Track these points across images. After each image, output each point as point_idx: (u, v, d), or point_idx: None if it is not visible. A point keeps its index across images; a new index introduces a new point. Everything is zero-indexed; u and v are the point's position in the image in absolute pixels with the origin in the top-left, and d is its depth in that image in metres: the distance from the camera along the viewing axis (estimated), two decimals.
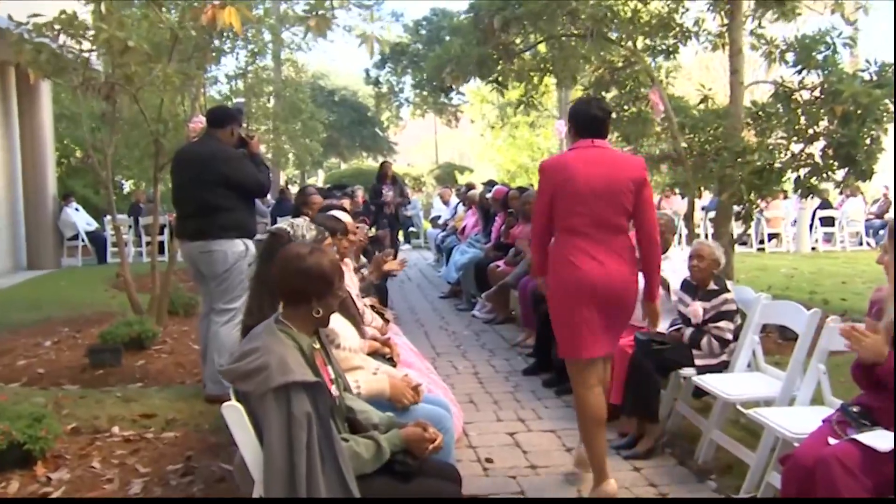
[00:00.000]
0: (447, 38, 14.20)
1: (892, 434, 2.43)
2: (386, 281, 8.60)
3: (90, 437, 4.02)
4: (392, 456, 2.34)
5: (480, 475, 3.70)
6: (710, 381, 3.75)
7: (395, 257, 10.82)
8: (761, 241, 14.08)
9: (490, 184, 11.87)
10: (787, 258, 12.72)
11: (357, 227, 4.67)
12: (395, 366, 3.49)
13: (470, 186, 11.79)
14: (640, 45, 6.83)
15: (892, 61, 5.40)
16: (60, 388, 4.98)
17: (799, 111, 5.76)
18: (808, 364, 3.41)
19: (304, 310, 2.29)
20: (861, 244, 14.50)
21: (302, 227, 2.97)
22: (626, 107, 6.93)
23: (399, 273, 4.57)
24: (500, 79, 7.51)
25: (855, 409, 2.61)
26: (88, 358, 5.58)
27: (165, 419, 4.31)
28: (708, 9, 6.66)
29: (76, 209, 13.26)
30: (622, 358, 4.09)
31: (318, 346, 2.38)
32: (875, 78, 5.39)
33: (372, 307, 4.33)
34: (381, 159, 13.16)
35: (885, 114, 5.34)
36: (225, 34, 8.41)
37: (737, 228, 6.94)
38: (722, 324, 3.97)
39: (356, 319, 3.41)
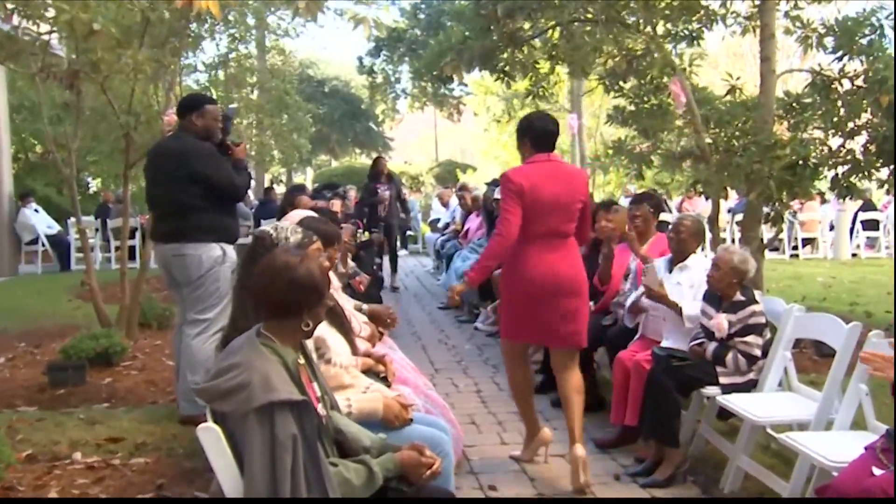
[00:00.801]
0: (448, 23, 14.26)
1: None
2: (380, 289, 8.63)
3: (48, 466, 4.01)
4: (385, 482, 2.35)
5: None
6: (736, 402, 3.77)
7: (393, 267, 10.89)
8: (795, 247, 14.10)
9: (495, 183, 11.85)
10: (824, 265, 12.73)
11: (341, 228, 4.70)
12: (389, 385, 3.50)
13: (463, 188, 11.75)
14: (659, 30, 6.84)
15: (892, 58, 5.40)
16: (15, 411, 4.97)
17: (838, 102, 5.76)
18: (847, 384, 3.41)
19: (292, 323, 2.31)
20: None
21: (286, 229, 2.99)
22: (644, 98, 6.95)
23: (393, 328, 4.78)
24: (506, 68, 7.54)
25: None
26: (47, 376, 5.58)
27: (134, 443, 4.32)
28: None
29: (35, 210, 13.27)
30: (639, 375, 4.11)
31: (302, 360, 2.40)
32: None
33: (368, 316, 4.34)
34: (375, 156, 13.18)
35: None
36: (203, 17, 8.45)
37: (767, 232, 6.96)
38: (749, 338, 3.98)
39: (349, 333, 3.43)
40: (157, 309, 7.60)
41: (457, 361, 6.72)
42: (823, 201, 14.34)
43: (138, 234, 12.03)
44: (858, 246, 14.10)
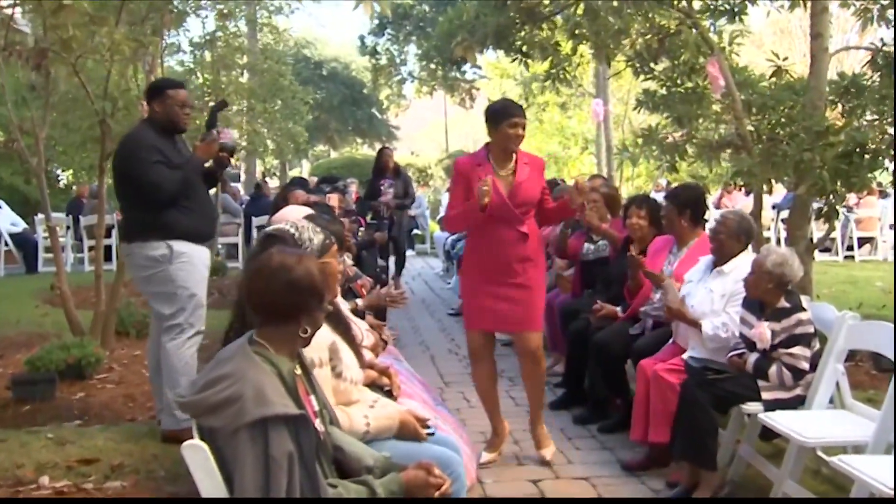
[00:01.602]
0: None
1: None
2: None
3: (11, 491, 3.99)
4: None
5: None
6: (781, 420, 3.77)
7: (399, 271, 10.83)
8: (849, 248, 14.02)
9: None
10: (883, 268, 12.66)
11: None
12: (395, 399, 3.53)
13: None
14: (696, 4, 6.82)
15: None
16: None
17: None
18: None
19: (289, 329, 2.34)
20: None
21: (308, 229, 3.02)
22: (678, 81, 6.93)
23: (402, 306, 5.09)
24: (523, 48, 7.53)
25: None
26: (12, 390, 5.58)
27: (110, 465, 4.31)
28: None
29: None
30: (669, 389, 4.11)
31: (299, 371, 2.42)
32: None
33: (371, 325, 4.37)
34: (378, 146, 13.11)
35: None
36: None
37: (817, 231, 6.92)
38: (795, 350, 3.96)
39: (356, 345, 3.45)
40: (136, 315, 7.58)
41: (468, 374, 6.70)
42: (883, 195, 14.25)
43: (115, 233, 12.00)
44: None
